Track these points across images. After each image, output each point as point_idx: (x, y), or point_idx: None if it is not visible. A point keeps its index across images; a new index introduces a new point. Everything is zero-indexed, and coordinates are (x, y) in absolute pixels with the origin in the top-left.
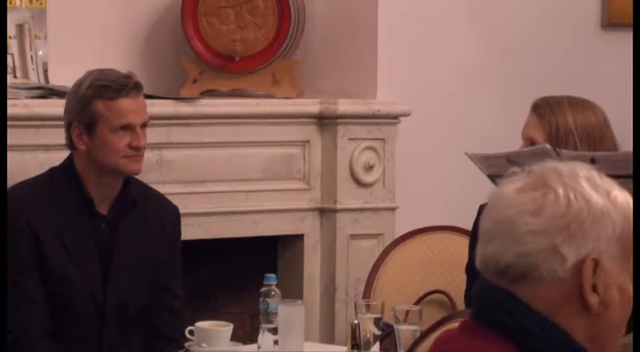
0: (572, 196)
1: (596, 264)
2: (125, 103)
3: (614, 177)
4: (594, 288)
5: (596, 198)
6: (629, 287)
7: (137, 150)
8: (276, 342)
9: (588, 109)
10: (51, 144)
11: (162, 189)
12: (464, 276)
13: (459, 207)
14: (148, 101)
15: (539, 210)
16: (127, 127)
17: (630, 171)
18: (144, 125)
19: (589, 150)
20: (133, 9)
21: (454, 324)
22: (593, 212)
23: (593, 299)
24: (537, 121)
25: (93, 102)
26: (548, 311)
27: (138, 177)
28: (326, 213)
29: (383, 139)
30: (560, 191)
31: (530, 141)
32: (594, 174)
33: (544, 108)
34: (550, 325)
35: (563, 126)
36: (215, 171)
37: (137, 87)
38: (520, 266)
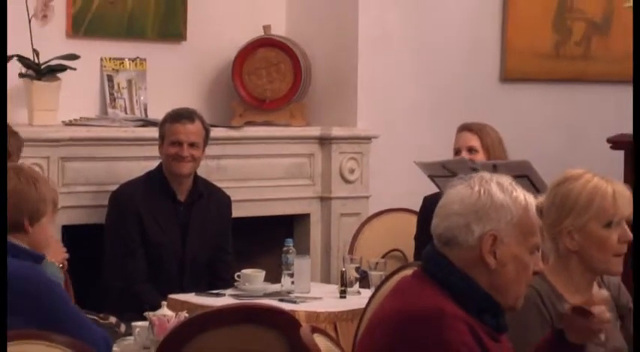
0: (482, 192)
1: (495, 238)
2: (177, 127)
3: (513, 177)
4: (495, 254)
5: (499, 195)
6: (525, 257)
7: (180, 157)
8: (292, 283)
9: (494, 130)
10: (148, 156)
11: (220, 184)
12: (413, 242)
13: (410, 196)
14: (212, 128)
15: (462, 200)
16: (176, 142)
17: (519, 173)
18: (192, 144)
19: (503, 155)
20: (201, 69)
21: (407, 271)
22: (495, 204)
23: (490, 260)
24: (472, 135)
25: (164, 124)
26: (466, 269)
27: (204, 176)
28: (324, 200)
29: (361, 153)
30: (476, 188)
31: (470, 149)
32: (507, 181)
33: (475, 127)
34: (466, 278)
35: (490, 138)
36: (254, 173)
37: (189, 117)
38: (446, 235)
